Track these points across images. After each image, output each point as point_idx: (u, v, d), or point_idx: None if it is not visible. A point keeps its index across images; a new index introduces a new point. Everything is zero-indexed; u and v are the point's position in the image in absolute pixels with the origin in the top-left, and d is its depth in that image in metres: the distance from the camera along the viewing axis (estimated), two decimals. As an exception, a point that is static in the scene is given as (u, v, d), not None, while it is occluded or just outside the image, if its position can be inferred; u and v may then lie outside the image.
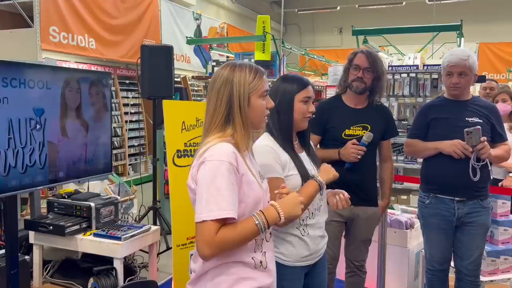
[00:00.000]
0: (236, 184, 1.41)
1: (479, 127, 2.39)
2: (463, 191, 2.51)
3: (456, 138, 2.46)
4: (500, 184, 3.67)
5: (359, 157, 2.45)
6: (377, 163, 2.79)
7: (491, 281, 2.94)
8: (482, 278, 2.88)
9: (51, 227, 3.19)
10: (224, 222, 1.37)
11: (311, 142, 2.07)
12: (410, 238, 3.38)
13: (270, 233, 1.59)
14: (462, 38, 6.83)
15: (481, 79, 5.72)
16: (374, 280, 3.22)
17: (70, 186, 3.85)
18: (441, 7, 12.39)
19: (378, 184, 2.83)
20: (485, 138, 2.41)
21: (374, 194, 2.70)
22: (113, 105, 7.37)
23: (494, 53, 13.23)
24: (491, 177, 2.62)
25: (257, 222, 1.40)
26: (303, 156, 1.94)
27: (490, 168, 2.49)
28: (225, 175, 1.38)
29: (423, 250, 2.90)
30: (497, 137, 2.57)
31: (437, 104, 2.69)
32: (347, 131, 2.55)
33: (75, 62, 6.98)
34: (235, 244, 1.40)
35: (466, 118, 2.52)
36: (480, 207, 2.54)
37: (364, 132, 2.52)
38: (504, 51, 13.46)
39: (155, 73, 4.11)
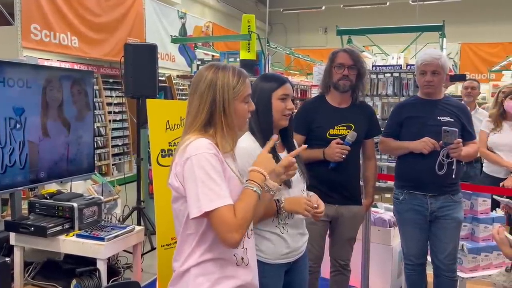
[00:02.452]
0: (222, 173, 1.42)
1: (456, 130, 2.49)
2: (434, 187, 2.60)
3: (428, 136, 2.54)
4: (501, 184, 3.71)
5: (343, 156, 2.47)
6: (361, 161, 2.82)
7: (472, 277, 2.98)
8: (463, 275, 2.93)
9: (32, 228, 3.13)
10: (232, 207, 1.38)
11: (295, 142, 2.07)
12: (393, 236, 3.41)
13: (252, 230, 1.59)
14: (444, 39, 6.92)
15: (461, 77, 5.79)
16: (358, 278, 3.25)
17: (52, 187, 3.79)
18: (424, 8, 12.54)
19: (362, 183, 2.85)
20: (460, 140, 2.50)
21: (358, 193, 2.72)
22: (96, 104, 7.28)
23: (475, 54, 13.45)
24: (458, 175, 2.66)
25: (254, 189, 1.43)
26: (284, 155, 1.93)
27: (454, 166, 2.56)
28: (214, 165, 1.39)
29: (405, 248, 2.94)
30: (466, 136, 2.65)
31: (410, 103, 2.78)
32: (331, 131, 2.56)
33: (58, 60, 6.88)
34: (251, 218, 1.42)
35: (438, 117, 2.61)
36: (452, 201, 2.63)
37: (348, 132, 2.54)
38: (485, 52, 13.70)
39: (139, 72, 4.07)
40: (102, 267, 3.10)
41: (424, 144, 2.54)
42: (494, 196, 2.33)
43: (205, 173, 1.37)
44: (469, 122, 2.69)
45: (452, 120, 2.60)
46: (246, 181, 1.46)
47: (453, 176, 2.58)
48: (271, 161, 1.52)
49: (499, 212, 3.52)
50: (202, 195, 1.36)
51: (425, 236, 2.70)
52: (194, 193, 1.38)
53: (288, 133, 2.00)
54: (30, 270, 3.50)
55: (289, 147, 2.00)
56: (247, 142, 1.87)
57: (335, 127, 2.56)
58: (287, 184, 1.86)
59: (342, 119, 2.58)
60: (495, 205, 3.71)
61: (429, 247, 2.75)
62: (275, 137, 1.56)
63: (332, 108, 2.63)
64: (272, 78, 1.96)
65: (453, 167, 2.57)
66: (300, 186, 1.95)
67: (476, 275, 2.99)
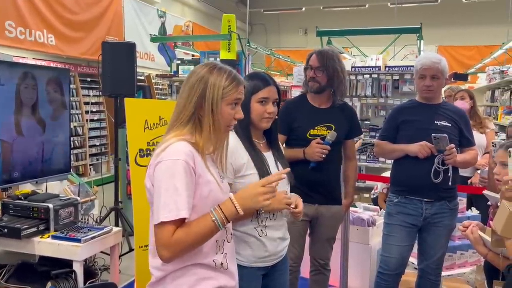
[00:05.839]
0: (192, 184, 1.38)
1: (446, 135, 2.44)
2: (430, 193, 2.55)
3: (424, 141, 2.50)
4: (469, 181, 3.78)
5: (323, 156, 2.47)
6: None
7: (448, 275, 3.04)
8: (440, 273, 2.98)
9: (5, 229, 3.04)
10: (181, 223, 1.35)
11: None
12: (372, 235, 3.44)
13: (231, 234, 1.58)
14: (422, 41, 7.04)
15: (464, 77, 5.67)
16: (337, 277, 3.27)
17: (27, 187, 3.70)
18: (402, 10, 12.73)
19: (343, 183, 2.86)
20: (453, 145, 2.46)
21: (338, 192, 2.73)
22: (73, 103, 7.15)
23: (452, 56, 13.73)
24: (454, 181, 2.62)
25: (213, 218, 1.38)
26: (268, 155, 1.92)
27: (450, 173, 2.53)
28: (181, 174, 1.36)
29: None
30: (464, 142, 2.62)
31: (408, 107, 2.73)
32: (312, 131, 2.56)
33: (33, 58, 6.74)
34: (194, 243, 1.37)
35: (435, 122, 2.57)
36: (447, 208, 2.60)
37: (328, 132, 2.54)
38: (461, 54, 14.01)
39: (116, 71, 4.01)
40: (78, 269, 3.04)
41: (420, 148, 2.49)
42: (484, 192, 2.30)
43: (171, 182, 1.34)
44: (467, 127, 2.64)
45: (449, 125, 2.56)
46: (216, 206, 1.41)
47: (450, 183, 2.53)
48: (257, 195, 1.42)
49: (474, 211, 3.60)
50: (163, 204, 1.34)
51: (410, 244, 2.66)
52: (157, 199, 1.36)
53: (273, 133, 1.97)
54: (3, 273, 3.40)
55: (274, 148, 1.98)
56: (229, 139, 1.86)
57: (316, 127, 2.57)
58: None
59: (323, 119, 2.58)
60: (470, 204, 3.80)
61: (417, 250, 2.74)
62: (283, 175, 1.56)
63: (312, 108, 2.63)
64: (256, 78, 1.90)
65: (449, 174, 2.52)
66: (283, 187, 1.92)
67: (452, 273, 3.05)
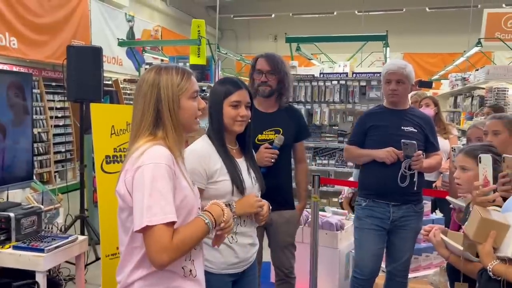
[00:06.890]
0: (173, 188, 1.37)
1: (415, 142, 2.50)
2: (397, 196, 2.61)
3: (391, 146, 2.56)
4: (434, 185, 3.88)
5: (272, 160, 2.46)
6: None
7: (414, 277, 3.10)
8: (406, 275, 3.04)
9: (-37, 240, 2.92)
10: (172, 226, 1.34)
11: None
12: (340, 239, 3.49)
13: None
14: (388, 48, 7.23)
15: (429, 84, 5.81)
16: (306, 281, 3.28)
17: (-14, 196, 3.56)
18: (369, 18, 13.04)
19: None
20: (420, 152, 2.53)
21: (290, 197, 2.68)
22: (38, 108, 6.95)
23: (417, 63, 14.12)
24: (420, 186, 2.67)
25: (207, 221, 1.41)
26: (241, 162, 1.92)
27: (416, 178, 2.59)
28: (165, 178, 1.34)
29: (353, 251, 2.99)
30: (430, 147, 2.69)
31: (375, 112, 2.79)
32: (260, 136, 2.54)
33: (-5, 62, 6.51)
34: (190, 247, 1.40)
35: (402, 127, 2.63)
36: (413, 211, 2.66)
37: (276, 136, 2.54)
38: (425, 61, 14.45)
39: (82, 75, 3.93)
40: (41, 280, 2.94)
41: (387, 153, 2.55)
42: (448, 198, 2.37)
43: (154, 186, 1.32)
44: (432, 133, 2.71)
45: (415, 130, 2.62)
46: (203, 211, 1.45)
47: (415, 188, 2.60)
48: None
49: (438, 214, 3.70)
50: (147, 208, 1.31)
51: (382, 246, 2.70)
52: (139, 205, 1.33)
53: (246, 139, 1.96)
54: (-40, 286, 3.26)
55: (247, 155, 1.97)
56: (202, 143, 1.85)
57: (264, 132, 2.55)
58: (241, 191, 1.84)
59: (270, 124, 2.57)
60: (434, 207, 3.90)
61: (385, 253, 2.77)
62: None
63: (259, 114, 2.58)
64: (227, 83, 1.92)
65: (414, 179, 2.58)
66: (253, 193, 1.92)
67: (418, 274, 3.12)
